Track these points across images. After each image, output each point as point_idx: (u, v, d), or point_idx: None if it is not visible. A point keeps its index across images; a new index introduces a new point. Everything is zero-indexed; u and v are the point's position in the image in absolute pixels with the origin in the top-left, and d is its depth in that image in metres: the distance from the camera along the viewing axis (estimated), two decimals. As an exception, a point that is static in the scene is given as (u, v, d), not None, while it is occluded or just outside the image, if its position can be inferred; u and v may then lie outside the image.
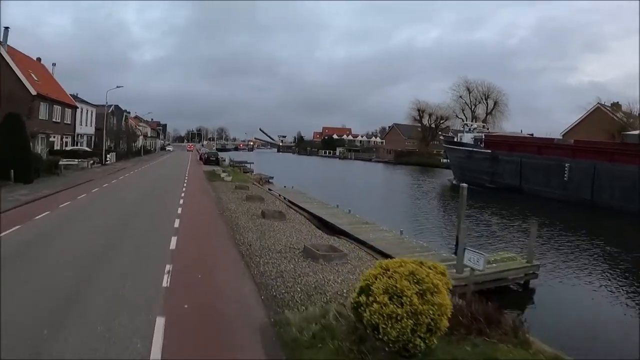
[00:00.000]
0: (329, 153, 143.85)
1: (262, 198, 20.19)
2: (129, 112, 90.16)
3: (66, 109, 47.35)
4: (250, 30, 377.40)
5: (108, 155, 43.77)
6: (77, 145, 49.58)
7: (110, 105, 68.98)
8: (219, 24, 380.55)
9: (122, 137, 69.19)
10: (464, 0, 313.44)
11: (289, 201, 21.08)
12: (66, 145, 46.60)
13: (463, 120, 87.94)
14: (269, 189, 27.18)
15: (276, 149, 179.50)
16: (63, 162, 31.68)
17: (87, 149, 44.57)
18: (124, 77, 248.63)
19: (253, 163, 50.05)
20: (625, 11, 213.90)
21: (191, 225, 13.29)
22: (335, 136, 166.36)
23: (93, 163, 37.93)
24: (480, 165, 47.35)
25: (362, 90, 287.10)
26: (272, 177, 39.05)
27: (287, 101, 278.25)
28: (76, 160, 36.22)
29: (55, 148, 42.97)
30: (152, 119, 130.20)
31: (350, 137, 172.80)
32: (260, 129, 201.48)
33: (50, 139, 42.74)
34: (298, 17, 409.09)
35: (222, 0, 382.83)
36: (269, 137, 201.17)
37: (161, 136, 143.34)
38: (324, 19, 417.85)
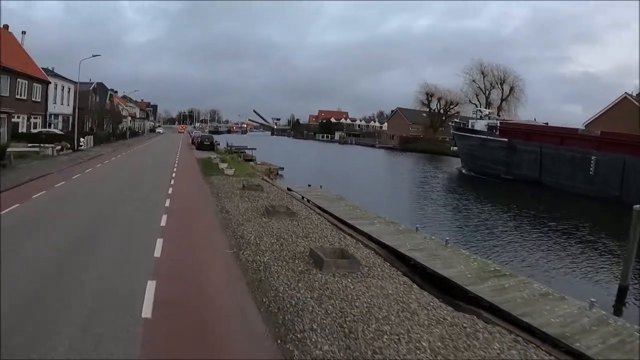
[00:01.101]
0: (328, 137, 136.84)
1: (290, 211, 13.30)
2: (116, 91, 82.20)
3: (35, 84, 40.00)
4: (242, 15, 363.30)
5: (82, 140, 36.47)
6: (49, 127, 42.37)
7: (92, 82, 61.30)
8: (211, 8, 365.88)
9: (105, 117, 61.38)
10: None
11: (334, 216, 14.10)
12: (35, 127, 39.41)
13: (477, 106, 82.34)
14: (289, 189, 20.12)
15: (270, 132, 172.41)
16: (15, 149, 24.49)
17: (57, 131, 37.25)
18: (116, 61, 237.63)
19: (255, 149, 42.51)
20: (620, 2, 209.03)
21: (181, 293, 6.57)
22: (333, 120, 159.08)
23: (61, 149, 30.68)
24: (495, 154, 44.33)
25: (355, 76, 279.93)
26: (282, 168, 32.18)
27: (280, 85, 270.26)
28: (40, 145, 28.99)
29: (20, 131, 35.87)
30: (142, 100, 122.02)
31: (348, 121, 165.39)
32: (254, 111, 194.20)
33: (13, 120, 35.55)
34: (290, 3, 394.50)
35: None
36: (263, 119, 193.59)
37: (151, 117, 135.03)
38: (316, 5, 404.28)
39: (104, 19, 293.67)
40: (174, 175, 21.96)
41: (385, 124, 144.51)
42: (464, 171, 50.61)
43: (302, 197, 18.51)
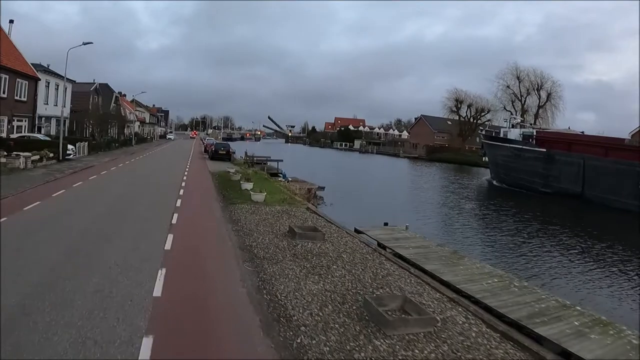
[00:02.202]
0: (346, 145, 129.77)
1: (423, 314, 6.14)
2: (124, 94, 75.85)
3: (19, 79, 33.45)
4: (255, 21, 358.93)
5: (71, 147, 29.72)
6: (38, 130, 35.91)
7: (93, 83, 54.96)
8: (223, 10, 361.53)
9: (110, 122, 54.74)
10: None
11: (488, 309, 6.78)
12: (20, 131, 32.90)
13: (512, 114, 75.47)
14: (357, 231, 12.86)
15: (284, 140, 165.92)
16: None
17: (40, 136, 30.56)
18: (129, 66, 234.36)
19: (282, 160, 34.85)
20: (635, 10, 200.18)
21: None
22: (351, 127, 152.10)
23: (39, 159, 23.88)
24: (531, 165, 41.35)
25: (368, 83, 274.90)
26: (322, 188, 24.90)
27: (293, 92, 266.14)
28: (7, 155, 22.19)
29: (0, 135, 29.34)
30: (153, 105, 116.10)
31: (366, 129, 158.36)
32: (268, 117, 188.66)
33: (-11, 122, 29.14)
34: (303, 9, 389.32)
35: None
36: (277, 126, 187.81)
37: (162, 123, 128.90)
38: (329, 11, 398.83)
39: (117, 24, 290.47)
40: (179, 203, 14.77)
41: (405, 132, 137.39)
42: (495, 182, 46.97)
43: (379, 244, 11.38)
